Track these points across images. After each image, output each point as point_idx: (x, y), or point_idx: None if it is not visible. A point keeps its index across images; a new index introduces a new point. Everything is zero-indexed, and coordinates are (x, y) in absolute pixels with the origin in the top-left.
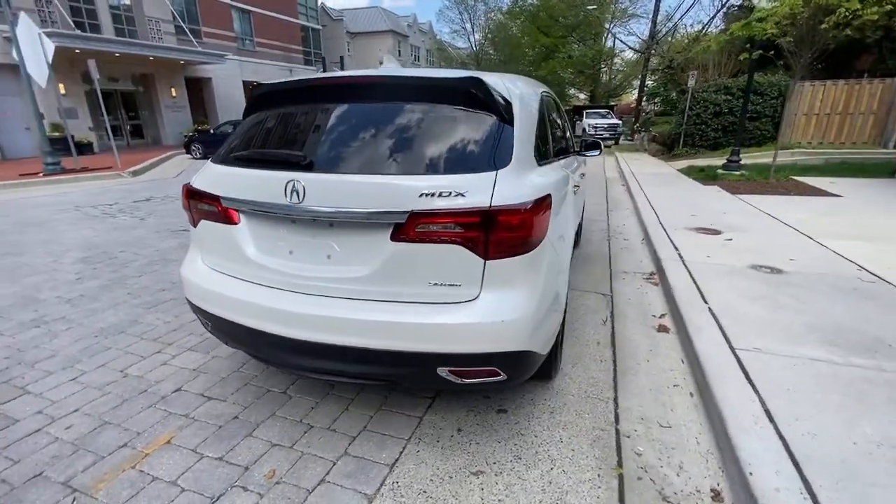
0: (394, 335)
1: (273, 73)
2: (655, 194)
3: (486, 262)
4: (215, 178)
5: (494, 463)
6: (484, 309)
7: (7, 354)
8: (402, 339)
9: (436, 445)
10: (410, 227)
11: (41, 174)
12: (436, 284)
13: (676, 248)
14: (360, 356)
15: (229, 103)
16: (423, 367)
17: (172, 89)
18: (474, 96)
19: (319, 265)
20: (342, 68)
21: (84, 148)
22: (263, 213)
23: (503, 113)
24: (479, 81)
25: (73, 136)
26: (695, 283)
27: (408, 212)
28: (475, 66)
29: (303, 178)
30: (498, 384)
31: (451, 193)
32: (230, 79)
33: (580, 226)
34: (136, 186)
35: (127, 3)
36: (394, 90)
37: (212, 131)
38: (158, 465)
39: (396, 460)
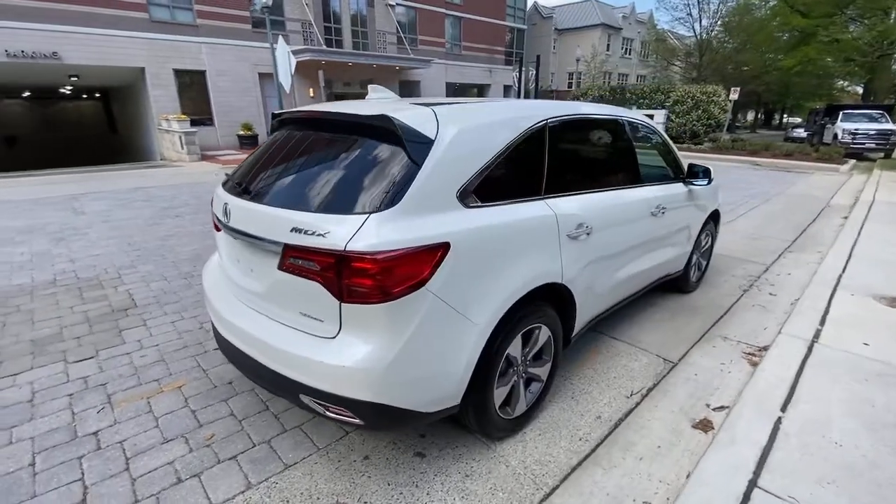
0: (267, 354)
1: (475, 74)
2: (874, 238)
3: (342, 304)
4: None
5: (359, 499)
6: (338, 350)
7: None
8: (272, 359)
9: (334, 464)
10: (286, 257)
11: None
12: (305, 315)
13: (823, 322)
14: (256, 367)
15: None
16: (291, 391)
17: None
18: (381, 133)
19: (246, 276)
20: (537, 69)
21: None
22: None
23: (409, 151)
24: (386, 118)
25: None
26: (797, 378)
27: (282, 243)
28: (698, 56)
29: (231, 201)
30: (359, 426)
31: (314, 232)
32: (435, 80)
33: (692, 265)
34: None
35: (364, 19)
36: (321, 124)
37: None
38: (160, 402)
39: (295, 464)
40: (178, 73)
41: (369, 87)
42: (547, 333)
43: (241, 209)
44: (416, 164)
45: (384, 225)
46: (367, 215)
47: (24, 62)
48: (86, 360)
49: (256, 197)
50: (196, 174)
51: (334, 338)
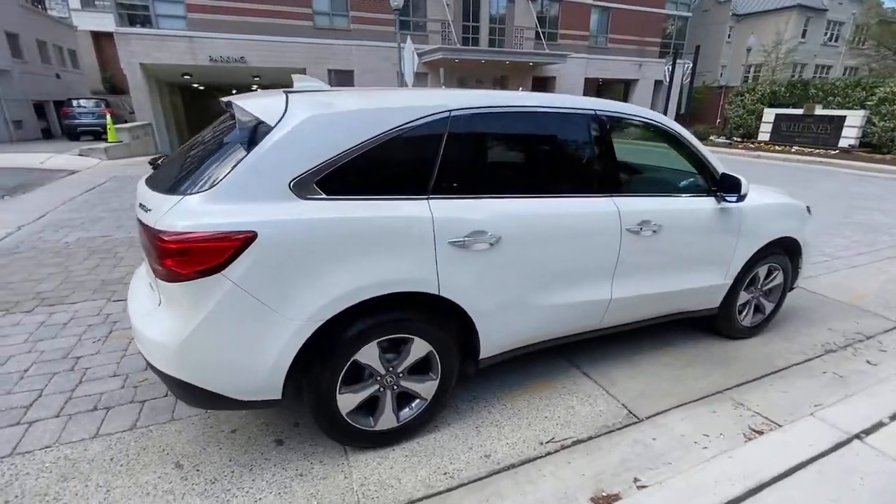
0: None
1: (621, 68)
2: None
3: (157, 278)
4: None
5: (194, 465)
6: (153, 322)
7: None
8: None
9: (204, 429)
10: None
11: None
12: (150, 287)
13: None
14: None
15: None
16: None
17: (520, 88)
18: (233, 118)
19: None
20: (695, 61)
21: None
22: None
23: (242, 137)
24: (229, 104)
25: None
26: (781, 477)
27: (137, 218)
28: None
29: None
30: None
31: (147, 208)
32: (572, 77)
33: (735, 304)
34: None
35: (502, 16)
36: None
37: None
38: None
39: (178, 419)
40: (331, 73)
41: (293, 76)
42: (426, 348)
43: (145, 191)
44: (245, 149)
45: (189, 207)
46: (181, 197)
47: (221, 65)
48: (122, 300)
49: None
50: None
51: (158, 308)
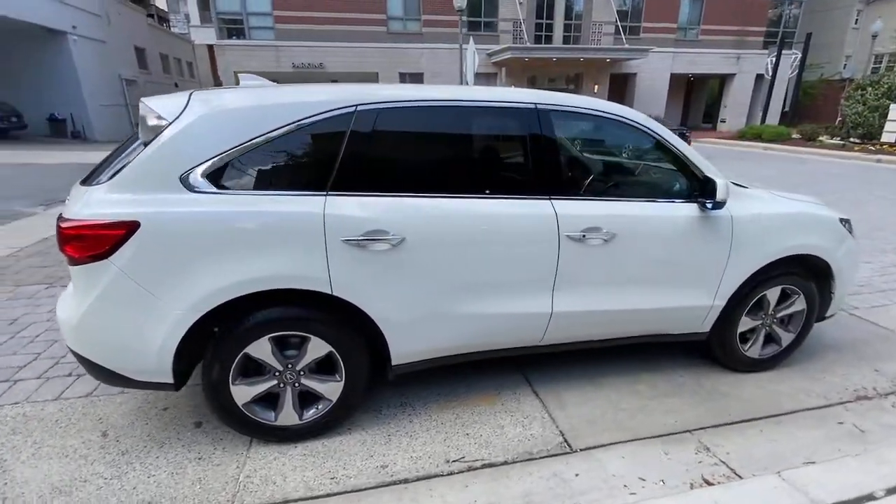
0: None
1: (714, 62)
2: None
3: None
4: None
5: (117, 436)
6: (65, 300)
7: None
8: None
9: (142, 402)
10: None
11: None
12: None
13: None
14: None
15: (649, 97)
16: None
17: (595, 86)
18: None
19: None
20: (805, 51)
21: None
22: None
23: (142, 132)
24: (142, 101)
25: None
26: None
27: None
28: None
29: None
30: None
31: (68, 199)
32: (657, 72)
33: (735, 331)
34: None
35: (578, 12)
36: None
37: None
38: None
39: (123, 392)
40: (402, 76)
41: (240, 75)
42: (325, 348)
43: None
44: (144, 144)
45: (92, 198)
46: (88, 188)
47: (303, 71)
48: None
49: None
50: None
51: (68, 293)
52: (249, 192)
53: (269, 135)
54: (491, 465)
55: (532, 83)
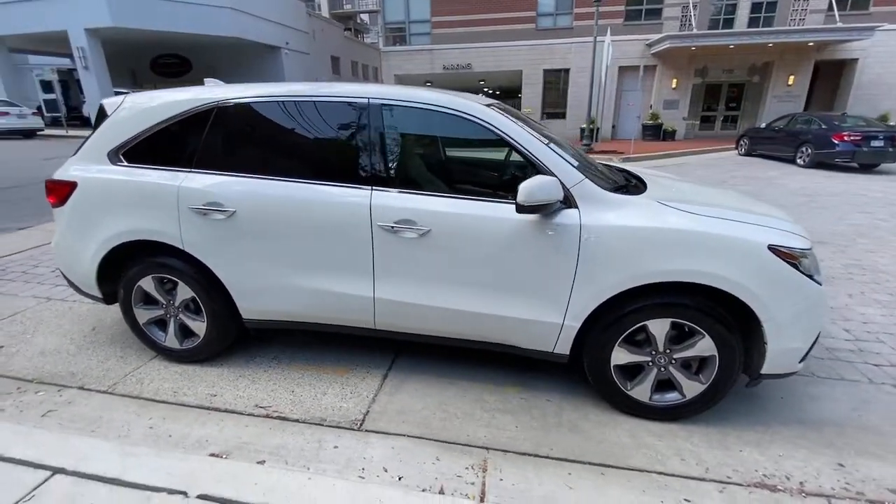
0: None
1: None
2: None
3: None
4: None
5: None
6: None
7: None
8: None
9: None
10: None
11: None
12: None
13: None
14: None
15: (877, 90)
16: None
17: (790, 77)
18: None
19: None
20: None
21: (668, 135)
22: None
23: (97, 120)
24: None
25: (592, 126)
26: None
27: None
28: None
29: None
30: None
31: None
32: (890, 57)
33: (588, 356)
34: None
35: None
36: None
37: (762, 126)
38: None
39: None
40: (546, 73)
41: (205, 80)
42: (189, 293)
43: None
44: (94, 129)
45: (66, 165)
46: (68, 158)
47: (452, 72)
48: None
49: None
50: None
51: None
52: (140, 167)
53: (157, 125)
54: (283, 419)
55: (703, 76)
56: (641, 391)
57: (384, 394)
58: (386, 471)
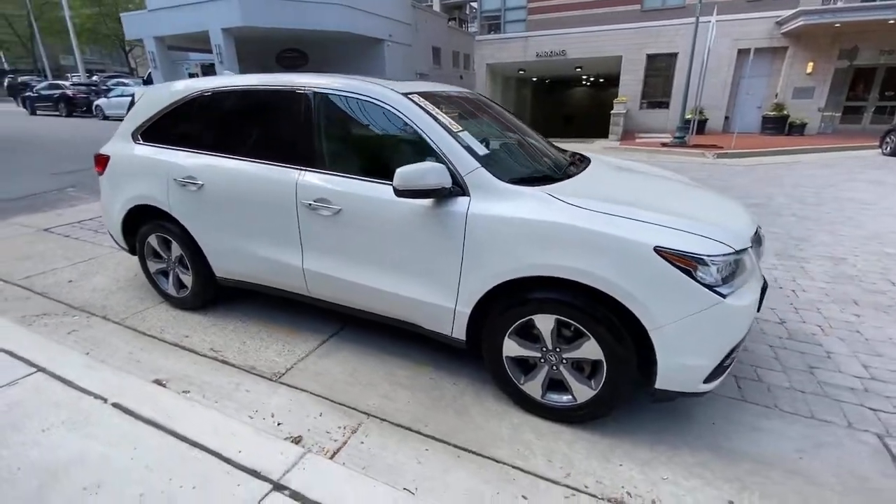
0: None
1: None
2: None
3: None
4: None
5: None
6: None
7: None
8: None
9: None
10: None
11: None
12: None
13: None
14: None
15: None
16: None
17: None
18: None
19: None
20: None
21: (794, 129)
22: None
23: (129, 108)
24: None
25: (696, 117)
26: None
27: None
28: None
29: None
30: None
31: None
32: None
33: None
34: (700, 169)
35: None
36: None
37: None
38: None
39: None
40: (650, 58)
41: (223, 72)
42: (179, 252)
43: None
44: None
45: (111, 142)
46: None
47: (546, 59)
48: None
49: None
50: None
51: None
52: (150, 145)
53: (161, 111)
54: (225, 362)
55: (851, 58)
56: (534, 387)
57: (314, 356)
58: (273, 416)
